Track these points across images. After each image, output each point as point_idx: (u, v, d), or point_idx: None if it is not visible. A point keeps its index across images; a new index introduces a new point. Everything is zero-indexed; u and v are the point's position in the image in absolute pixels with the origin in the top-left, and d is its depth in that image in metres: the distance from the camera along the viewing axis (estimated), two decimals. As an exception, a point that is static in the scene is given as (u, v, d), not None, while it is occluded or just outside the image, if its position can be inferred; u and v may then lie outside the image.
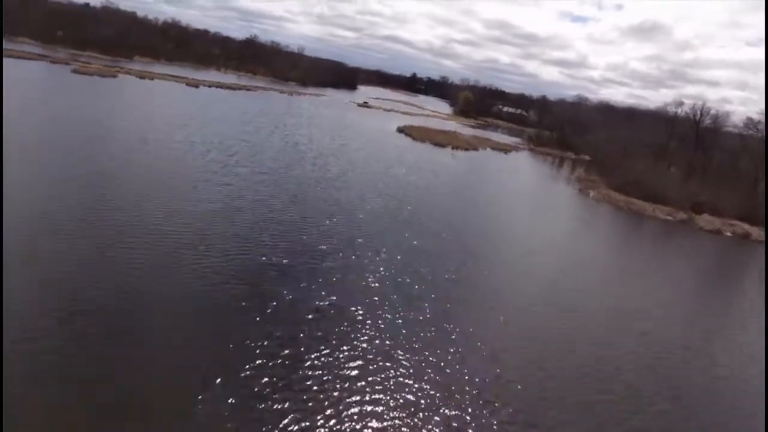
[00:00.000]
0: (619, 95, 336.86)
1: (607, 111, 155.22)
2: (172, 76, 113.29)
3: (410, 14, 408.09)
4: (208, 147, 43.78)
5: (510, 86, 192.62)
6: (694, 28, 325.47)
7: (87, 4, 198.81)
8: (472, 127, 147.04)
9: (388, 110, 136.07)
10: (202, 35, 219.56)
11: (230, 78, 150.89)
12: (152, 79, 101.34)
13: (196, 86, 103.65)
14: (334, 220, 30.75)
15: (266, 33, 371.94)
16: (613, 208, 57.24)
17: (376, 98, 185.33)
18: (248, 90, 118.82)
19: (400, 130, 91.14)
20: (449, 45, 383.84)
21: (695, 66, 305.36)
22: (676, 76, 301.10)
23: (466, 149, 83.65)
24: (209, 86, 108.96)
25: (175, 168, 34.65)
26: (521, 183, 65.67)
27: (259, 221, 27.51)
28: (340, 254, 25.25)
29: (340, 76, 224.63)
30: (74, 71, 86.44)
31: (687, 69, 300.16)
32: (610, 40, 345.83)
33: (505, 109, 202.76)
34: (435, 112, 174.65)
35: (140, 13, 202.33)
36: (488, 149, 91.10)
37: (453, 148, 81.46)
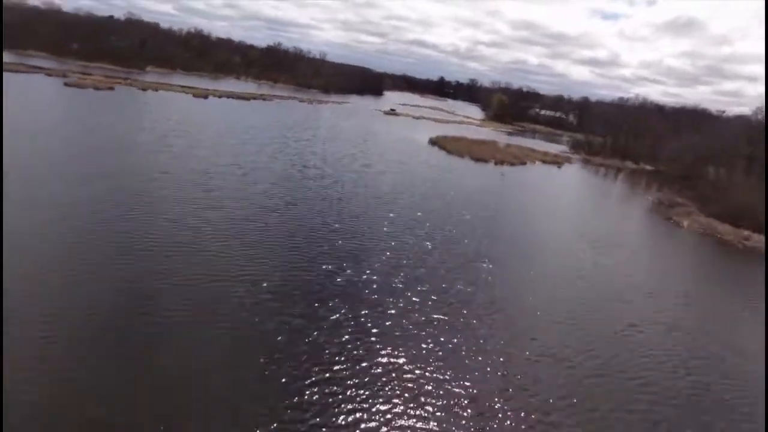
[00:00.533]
0: (653, 93, 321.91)
1: (656, 112, 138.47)
2: (182, 86, 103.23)
3: (435, 17, 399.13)
4: (169, 182, 31.68)
5: (539, 87, 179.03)
6: (730, 22, 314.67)
7: (111, 17, 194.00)
8: (509, 133, 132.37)
9: (417, 118, 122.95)
10: (225, 44, 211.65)
11: (249, 87, 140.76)
12: (156, 90, 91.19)
13: (205, 97, 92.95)
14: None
15: (292, 41, 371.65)
16: (724, 249, 42.47)
17: (404, 104, 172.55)
18: (264, 99, 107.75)
19: (433, 142, 77.88)
20: (475, 47, 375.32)
21: (732, 61, 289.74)
22: (712, 72, 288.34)
23: (513, 164, 69.67)
24: (220, 96, 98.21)
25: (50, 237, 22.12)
26: (595, 213, 51.38)
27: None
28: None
29: (365, 81, 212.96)
30: (67, 84, 76.76)
31: (724, 64, 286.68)
32: (643, 36, 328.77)
33: (543, 112, 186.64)
34: (467, 117, 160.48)
35: (165, 25, 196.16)
36: (537, 162, 76.76)
37: (497, 163, 67.65)
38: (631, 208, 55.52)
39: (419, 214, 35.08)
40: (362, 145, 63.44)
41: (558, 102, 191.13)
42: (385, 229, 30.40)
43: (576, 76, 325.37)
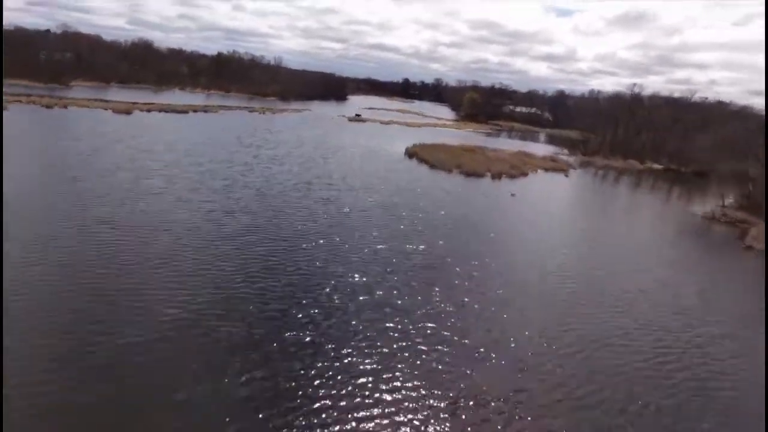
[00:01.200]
0: (607, 85, 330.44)
1: (639, 102, 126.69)
2: (105, 100, 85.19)
3: (395, 20, 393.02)
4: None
5: (500, 85, 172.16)
6: (679, 12, 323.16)
7: (47, 31, 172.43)
8: (487, 134, 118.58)
9: (386, 123, 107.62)
10: (175, 54, 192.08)
11: (197, 98, 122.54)
12: (66, 107, 73.14)
13: (128, 112, 75.10)
14: None
15: (253, 50, 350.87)
16: None
17: (370, 108, 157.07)
18: (207, 111, 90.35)
19: (410, 152, 62.74)
20: (436, 48, 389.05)
21: (682, 50, 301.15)
22: (663, 61, 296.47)
23: (512, 176, 54.97)
24: (149, 110, 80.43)
25: None
26: (662, 249, 36.75)
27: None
28: None
29: (328, 87, 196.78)
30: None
31: (674, 54, 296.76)
32: (597, 30, 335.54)
33: (517, 109, 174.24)
34: (439, 119, 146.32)
35: (108, 38, 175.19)
36: (538, 171, 62.30)
37: (495, 177, 52.83)
38: (690, 234, 41.28)
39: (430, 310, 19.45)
40: (321, 166, 47.53)
41: (533, 97, 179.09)
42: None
43: (535, 72, 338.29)
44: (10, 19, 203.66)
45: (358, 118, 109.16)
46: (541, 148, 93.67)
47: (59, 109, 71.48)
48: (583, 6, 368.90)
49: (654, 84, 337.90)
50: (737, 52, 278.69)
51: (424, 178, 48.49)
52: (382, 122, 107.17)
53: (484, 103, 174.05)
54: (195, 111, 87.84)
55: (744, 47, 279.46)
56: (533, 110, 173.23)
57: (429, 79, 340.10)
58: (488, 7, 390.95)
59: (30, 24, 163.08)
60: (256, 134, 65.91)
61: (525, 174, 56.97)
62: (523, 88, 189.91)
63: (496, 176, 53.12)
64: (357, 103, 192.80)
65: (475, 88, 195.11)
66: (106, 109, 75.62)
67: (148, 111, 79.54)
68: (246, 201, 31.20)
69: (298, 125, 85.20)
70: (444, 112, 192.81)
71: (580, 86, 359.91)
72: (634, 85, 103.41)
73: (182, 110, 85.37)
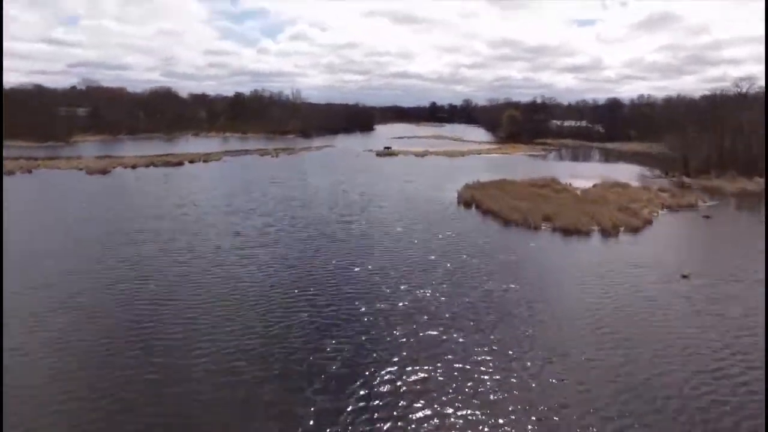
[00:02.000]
0: (641, 89, 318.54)
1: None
2: (80, 158, 70.87)
3: (415, 48, 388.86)
4: None
5: (542, 99, 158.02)
6: (705, 10, 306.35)
7: (73, 87, 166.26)
8: (541, 156, 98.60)
9: (422, 155, 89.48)
10: (197, 100, 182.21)
11: (210, 143, 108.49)
12: (30, 171, 58.62)
13: (104, 171, 59.78)
14: None
15: (279, 89, 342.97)
16: None
17: (399, 137, 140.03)
18: (206, 161, 74.46)
19: (464, 198, 44.24)
20: (458, 71, 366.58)
21: (714, 47, 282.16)
22: (695, 60, 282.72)
23: (633, 228, 35.06)
24: (134, 166, 64.97)
25: None
26: None
27: None
28: None
29: (352, 118, 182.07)
30: None
31: (706, 52, 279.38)
32: (621, 37, 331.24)
33: (566, 123, 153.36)
34: (479, 143, 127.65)
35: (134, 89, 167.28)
36: (660, 212, 41.76)
37: (609, 233, 33.21)
38: None
39: None
40: (342, 233, 29.65)
41: (579, 109, 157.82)
42: None
43: (561, 85, 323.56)
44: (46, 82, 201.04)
45: (387, 152, 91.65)
46: (618, 171, 73.21)
47: (21, 174, 56.99)
48: (603, 15, 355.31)
49: (688, 84, 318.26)
50: None
51: (501, 244, 29.60)
52: (416, 154, 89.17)
53: (525, 121, 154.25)
54: (192, 161, 72.22)
55: None
56: (582, 123, 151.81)
57: (455, 101, 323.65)
58: (506, 26, 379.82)
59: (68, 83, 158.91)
60: (254, 189, 48.79)
61: (648, 221, 37.03)
62: (564, 101, 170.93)
63: (611, 232, 33.51)
64: (384, 132, 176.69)
65: (513, 104, 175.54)
66: (80, 169, 60.83)
67: (133, 167, 64.12)
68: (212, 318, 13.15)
69: (315, 168, 68.14)
70: (479, 134, 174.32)
71: (609, 94, 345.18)
72: (740, 80, 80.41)
73: (176, 162, 69.80)
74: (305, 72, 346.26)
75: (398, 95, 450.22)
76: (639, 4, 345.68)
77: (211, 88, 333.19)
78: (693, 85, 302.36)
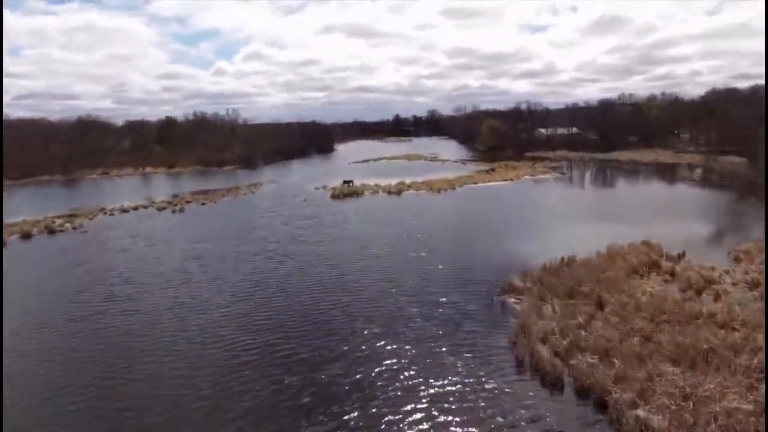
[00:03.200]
0: (593, 92, 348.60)
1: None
2: None
3: (374, 61, 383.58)
4: None
5: (528, 105, 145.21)
6: (652, 10, 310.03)
7: None
8: (562, 181, 72.92)
9: (398, 191, 61.67)
10: (134, 127, 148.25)
11: (118, 187, 78.05)
12: None
13: None
14: None
15: (241, 110, 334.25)
16: None
17: (365, 161, 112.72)
18: (26, 238, 44.54)
19: (541, 361, 16.26)
20: (418, 82, 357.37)
21: (661, 46, 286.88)
22: (643, 60, 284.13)
23: None
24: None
25: None
26: None
27: None
28: None
29: (309, 138, 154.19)
30: None
31: (653, 51, 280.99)
32: (573, 41, 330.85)
33: (558, 131, 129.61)
34: (462, 162, 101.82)
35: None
36: None
37: None
38: None
39: None
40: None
41: (571, 114, 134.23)
42: None
43: (518, 90, 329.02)
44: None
45: (348, 188, 63.69)
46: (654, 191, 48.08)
47: None
48: (555, 20, 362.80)
49: (637, 83, 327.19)
50: (715, 39, 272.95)
51: None
52: (389, 191, 61.42)
53: (507, 131, 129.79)
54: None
55: (721, 34, 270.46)
56: (573, 130, 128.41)
57: (418, 113, 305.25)
58: (463, 35, 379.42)
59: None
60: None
61: None
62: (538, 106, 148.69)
63: None
64: (346, 153, 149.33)
65: (489, 113, 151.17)
66: None
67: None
68: None
69: (210, 249, 39.45)
70: (454, 149, 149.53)
71: (564, 98, 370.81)
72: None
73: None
74: (264, 91, 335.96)
75: (360, 110, 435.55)
76: (588, 8, 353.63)
77: (167, 113, 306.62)
78: (641, 83, 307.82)
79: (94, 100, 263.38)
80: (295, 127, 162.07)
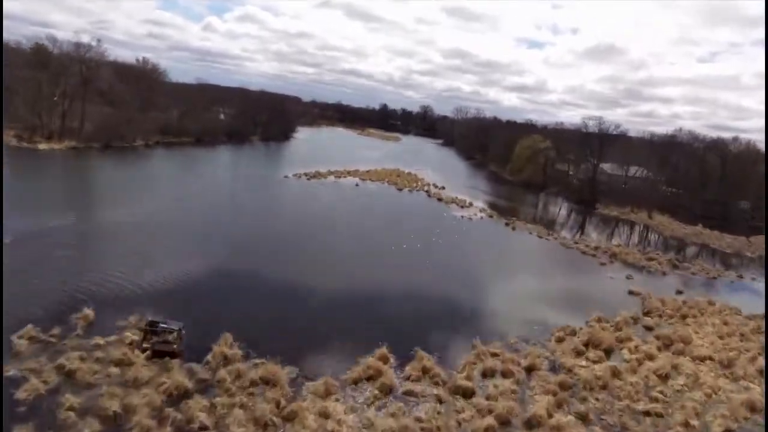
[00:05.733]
0: (576, 117, 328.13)
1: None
2: None
3: (369, 47, 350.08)
4: None
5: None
6: (647, 47, 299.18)
7: None
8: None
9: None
10: None
11: None
12: None
13: None
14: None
15: (227, 73, 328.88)
16: None
17: (310, 176, 60.40)
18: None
19: None
20: (410, 76, 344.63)
21: (649, 84, 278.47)
22: (630, 94, 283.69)
23: None
24: None
25: None
26: None
27: None
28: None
29: (260, 113, 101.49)
30: None
31: (641, 87, 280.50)
32: (568, 63, 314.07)
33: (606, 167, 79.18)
34: (483, 214, 50.91)
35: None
36: None
37: None
38: None
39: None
40: None
41: (656, 147, 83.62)
42: None
43: (506, 102, 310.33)
44: None
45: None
46: None
47: None
48: (553, 39, 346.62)
49: (620, 116, 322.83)
50: (701, 87, 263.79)
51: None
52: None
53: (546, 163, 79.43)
54: None
55: (707, 83, 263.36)
56: (644, 172, 78.65)
57: (407, 107, 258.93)
58: (462, 37, 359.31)
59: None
60: None
61: None
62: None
63: None
64: (303, 148, 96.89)
65: (525, 126, 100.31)
66: None
67: None
68: None
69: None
70: (453, 164, 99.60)
71: (549, 117, 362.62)
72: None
73: None
74: (253, 56, 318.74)
75: (346, 93, 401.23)
76: (589, 32, 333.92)
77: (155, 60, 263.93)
78: (624, 117, 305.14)
79: (72, 33, 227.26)
80: (236, 92, 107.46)
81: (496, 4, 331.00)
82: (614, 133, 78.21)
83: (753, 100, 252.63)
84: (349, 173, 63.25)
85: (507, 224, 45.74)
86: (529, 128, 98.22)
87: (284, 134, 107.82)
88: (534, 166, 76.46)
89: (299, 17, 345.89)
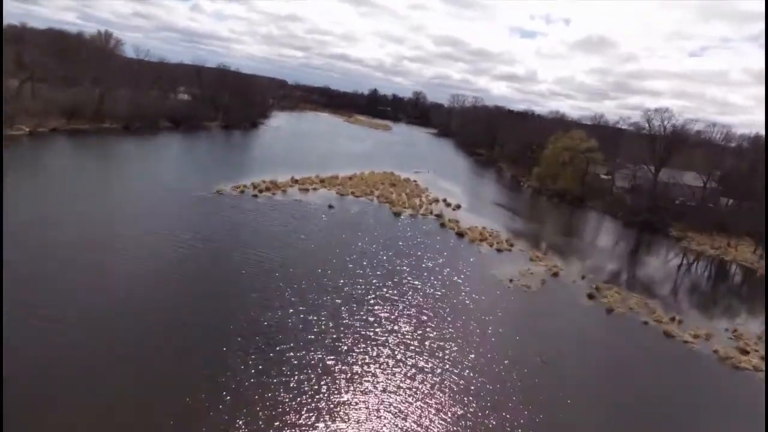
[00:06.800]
0: (564, 107, 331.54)
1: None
2: None
3: (359, 32, 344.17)
4: None
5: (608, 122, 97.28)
6: (640, 40, 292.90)
7: None
8: None
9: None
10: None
11: None
12: None
13: None
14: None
15: (215, 54, 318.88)
16: None
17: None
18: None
19: None
20: (400, 62, 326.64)
21: (638, 77, 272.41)
22: (619, 87, 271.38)
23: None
24: None
25: None
26: None
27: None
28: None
29: (228, 91, 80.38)
30: None
31: (630, 80, 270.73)
32: (559, 53, 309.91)
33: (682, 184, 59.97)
34: (515, 250, 31.05)
35: None
36: None
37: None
38: None
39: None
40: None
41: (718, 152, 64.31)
42: None
43: (496, 91, 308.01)
44: None
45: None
46: None
47: None
48: (546, 29, 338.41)
49: (607, 108, 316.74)
50: (690, 82, 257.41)
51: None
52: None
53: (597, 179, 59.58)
54: None
55: (696, 77, 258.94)
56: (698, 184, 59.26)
57: (398, 93, 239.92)
58: (454, 25, 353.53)
59: None
60: None
61: None
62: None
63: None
64: (276, 135, 76.10)
65: (567, 122, 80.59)
66: None
67: None
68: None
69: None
70: (452, 158, 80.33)
71: (538, 107, 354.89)
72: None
73: None
74: (241, 38, 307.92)
75: (335, 78, 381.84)
76: (581, 24, 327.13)
77: (135, 40, 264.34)
78: (612, 109, 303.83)
79: (57, 10, 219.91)
80: (191, 68, 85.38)
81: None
82: (686, 128, 58.07)
83: (739, 96, 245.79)
84: (322, 182, 42.64)
85: (590, 297, 25.83)
86: (556, 123, 77.64)
87: (251, 120, 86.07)
88: (573, 172, 56.56)
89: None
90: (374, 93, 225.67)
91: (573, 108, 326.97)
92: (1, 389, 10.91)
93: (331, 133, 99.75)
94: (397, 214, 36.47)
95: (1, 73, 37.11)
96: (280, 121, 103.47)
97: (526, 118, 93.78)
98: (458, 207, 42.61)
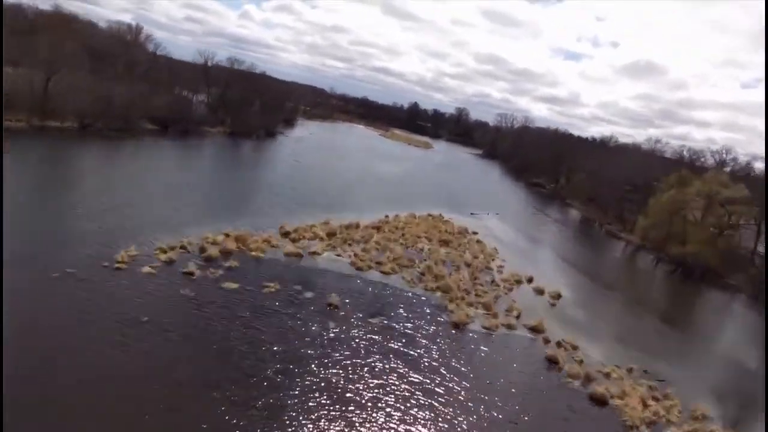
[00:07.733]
0: (606, 133, 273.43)
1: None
2: None
3: (402, 46, 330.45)
4: None
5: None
6: (690, 67, 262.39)
7: None
8: None
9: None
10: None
11: None
12: None
13: None
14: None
15: (260, 61, 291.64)
16: None
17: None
18: None
19: None
20: (441, 78, 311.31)
21: (686, 106, 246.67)
22: (665, 115, 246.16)
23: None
24: None
25: None
26: None
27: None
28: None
29: (245, 94, 65.59)
30: None
31: (677, 109, 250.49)
32: (604, 77, 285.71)
33: None
34: None
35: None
36: None
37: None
38: None
39: None
40: None
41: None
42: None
43: (536, 113, 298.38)
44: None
45: None
46: None
47: None
48: (591, 51, 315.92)
49: (651, 137, 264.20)
50: (740, 113, 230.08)
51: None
52: None
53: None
54: None
55: (747, 109, 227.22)
56: None
57: (439, 108, 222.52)
58: (497, 42, 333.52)
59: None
60: None
61: None
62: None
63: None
64: (295, 149, 60.19)
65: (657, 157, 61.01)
66: None
67: None
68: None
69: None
70: (497, 176, 61.89)
71: (578, 131, 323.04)
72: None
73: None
74: (286, 47, 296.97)
75: (375, 90, 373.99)
76: (629, 48, 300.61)
77: (185, 43, 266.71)
78: (655, 138, 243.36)
79: (114, 11, 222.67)
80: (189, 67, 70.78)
81: (538, 10, 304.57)
82: None
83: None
84: (330, 236, 25.34)
85: None
86: (647, 157, 58.19)
87: (268, 129, 70.33)
88: (705, 232, 37.31)
89: (335, 10, 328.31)
90: (415, 106, 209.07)
91: (615, 134, 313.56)
92: (1, 389, 9.96)
93: (363, 149, 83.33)
94: (458, 326, 18.67)
95: (0, 70, 32.72)
96: (305, 132, 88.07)
97: (607, 148, 74.28)
98: (557, 297, 24.49)
